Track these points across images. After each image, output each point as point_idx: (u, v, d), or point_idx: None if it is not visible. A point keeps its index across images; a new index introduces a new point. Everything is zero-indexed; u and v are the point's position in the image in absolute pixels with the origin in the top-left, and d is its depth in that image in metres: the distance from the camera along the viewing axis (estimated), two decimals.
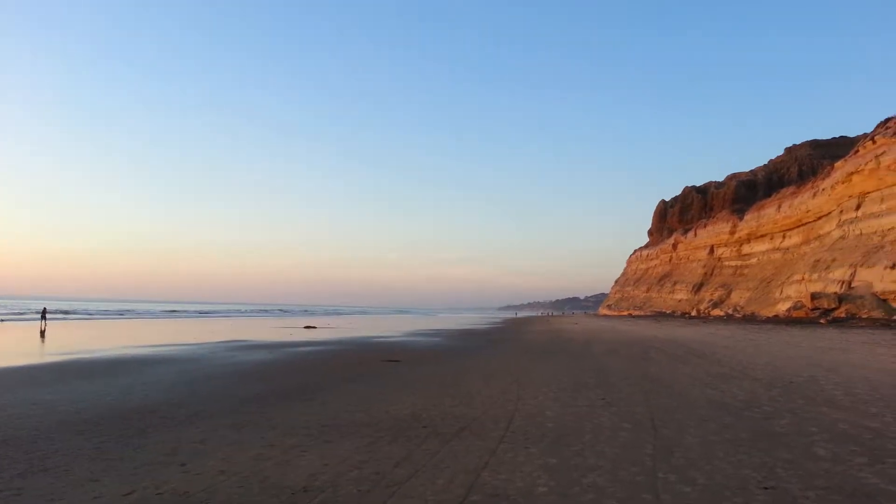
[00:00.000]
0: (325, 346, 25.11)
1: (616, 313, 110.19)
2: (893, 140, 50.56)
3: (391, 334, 37.44)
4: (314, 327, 46.93)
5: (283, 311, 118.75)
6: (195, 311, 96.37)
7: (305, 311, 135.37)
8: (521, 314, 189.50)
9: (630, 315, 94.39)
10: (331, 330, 43.40)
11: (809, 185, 71.69)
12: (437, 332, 40.78)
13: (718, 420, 8.38)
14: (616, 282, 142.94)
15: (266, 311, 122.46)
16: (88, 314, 70.21)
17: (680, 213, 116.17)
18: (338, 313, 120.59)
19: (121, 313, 77.27)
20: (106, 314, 72.95)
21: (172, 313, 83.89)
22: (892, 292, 41.25)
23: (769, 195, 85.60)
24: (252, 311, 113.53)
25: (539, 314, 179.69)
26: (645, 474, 5.78)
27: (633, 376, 13.71)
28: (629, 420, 8.48)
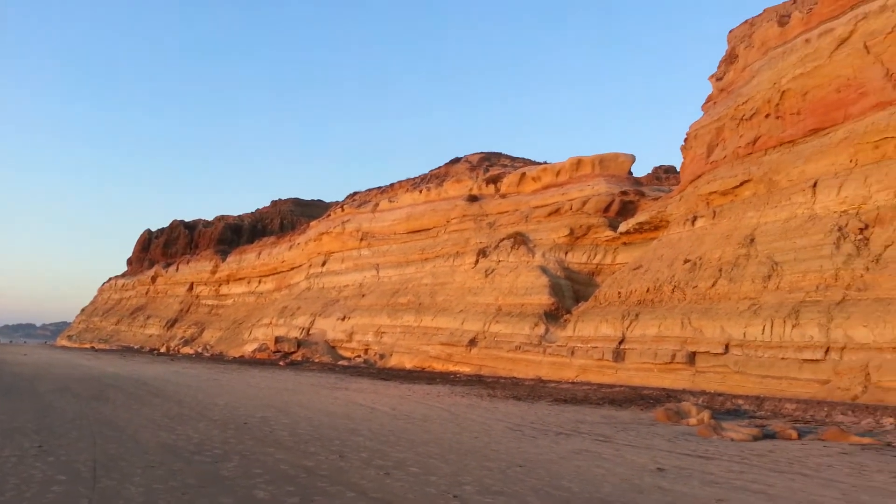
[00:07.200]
0: None
1: (78, 345, 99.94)
2: (357, 211, 59.81)
3: None
4: None
5: None
6: None
7: None
8: None
9: (93, 348, 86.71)
10: None
11: (288, 238, 78.68)
12: None
13: (167, 466, 8.13)
14: (83, 311, 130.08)
15: None
16: None
17: (164, 246, 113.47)
18: None
19: None
20: None
21: None
22: (340, 340, 47.77)
23: (252, 241, 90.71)
24: None
25: None
26: None
27: (83, 419, 12.43)
28: (67, 471, 7.55)
